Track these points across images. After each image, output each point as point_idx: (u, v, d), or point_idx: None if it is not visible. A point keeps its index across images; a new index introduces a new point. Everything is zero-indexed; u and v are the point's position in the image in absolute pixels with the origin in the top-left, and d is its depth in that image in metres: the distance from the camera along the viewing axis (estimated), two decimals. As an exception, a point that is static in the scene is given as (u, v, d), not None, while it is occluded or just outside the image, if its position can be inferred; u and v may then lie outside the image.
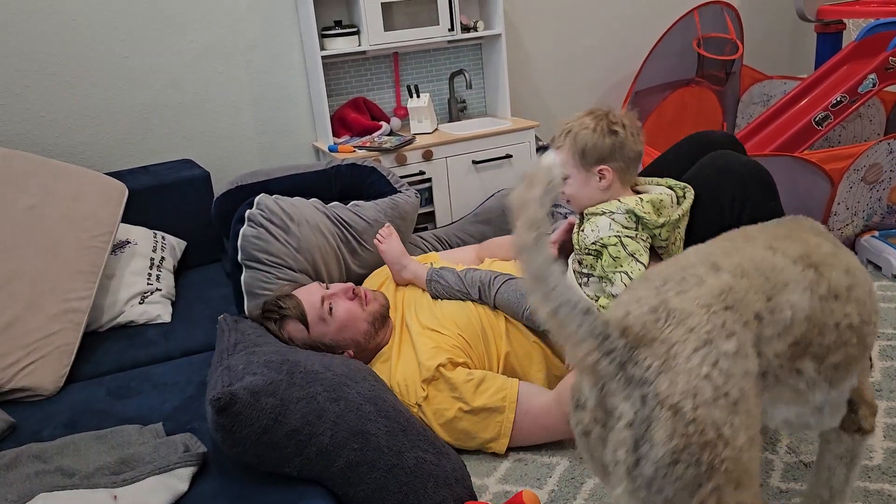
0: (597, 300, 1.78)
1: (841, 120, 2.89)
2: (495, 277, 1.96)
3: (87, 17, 2.69)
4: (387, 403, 1.58)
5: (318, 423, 1.43)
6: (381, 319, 1.98)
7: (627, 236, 1.73)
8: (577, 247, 1.84)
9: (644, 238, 1.75)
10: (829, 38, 3.47)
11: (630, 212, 1.74)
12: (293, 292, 1.96)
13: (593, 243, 1.76)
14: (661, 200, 1.77)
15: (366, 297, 1.97)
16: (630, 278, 1.70)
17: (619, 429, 1.00)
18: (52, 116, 2.73)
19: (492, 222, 2.77)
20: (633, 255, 1.72)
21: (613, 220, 1.75)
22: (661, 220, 1.74)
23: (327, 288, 1.98)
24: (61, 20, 2.66)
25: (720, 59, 3.49)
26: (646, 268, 1.72)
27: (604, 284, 1.76)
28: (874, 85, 2.87)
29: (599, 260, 1.76)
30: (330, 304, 1.92)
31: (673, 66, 3.54)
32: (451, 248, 2.56)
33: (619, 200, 1.77)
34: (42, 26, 2.64)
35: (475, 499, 1.62)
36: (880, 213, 2.81)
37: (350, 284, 2.00)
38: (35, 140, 2.72)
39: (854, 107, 2.89)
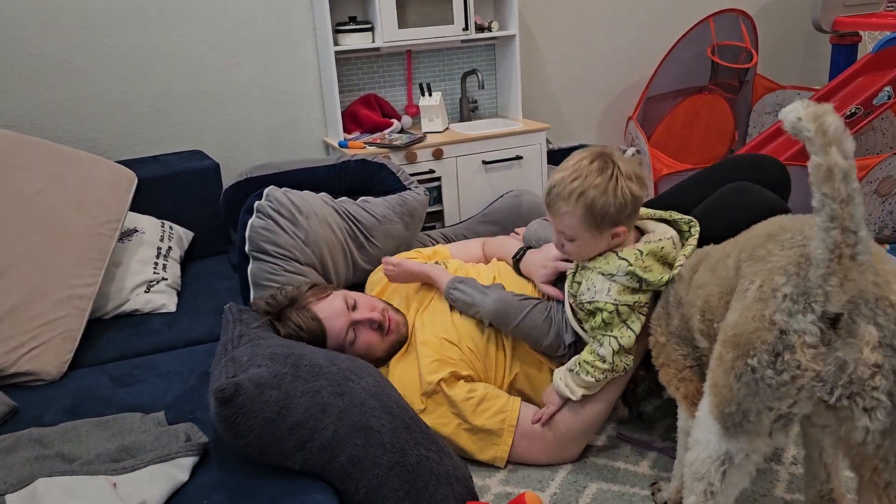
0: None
1: (855, 132, 2.87)
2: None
3: (101, 4, 2.69)
4: (391, 400, 1.56)
5: (322, 417, 1.42)
6: (398, 346, 1.95)
7: (625, 304, 1.66)
8: (569, 291, 1.78)
9: (644, 302, 1.67)
10: (844, 50, 3.45)
11: (632, 273, 1.64)
12: (315, 308, 1.86)
13: (588, 302, 1.70)
14: (663, 248, 1.66)
15: (389, 326, 1.91)
16: (619, 344, 1.68)
17: (867, 353, 1.05)
18: (63, 103, 2.73)
19: (500, 223, 2.76)
20: (625, 322, 1.68)
21: (614, 281, 1.66)
22: (665, 278, 1.62)
23: (354, 307, 1.90)
24: (75, 7, 2.66)
25: (734, 67, 3.48)
26: (636, 335, 1.69)
27: (592, 341, 1.73)
28: (889, 97, 2.85)
29: (592, 318, 1.71)
30: (353, 336, 1.87)
31: (686, 73, 3.52)
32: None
33: (617, 256, 1.67)
34: (55, 13, 2.64)
35: (476, 499, 1.61)
36: (891, 226, 2.79)
37: (377, 309, 1.91)
38: (46, 126, 2.72)
39: (868, 119, 2.87)
